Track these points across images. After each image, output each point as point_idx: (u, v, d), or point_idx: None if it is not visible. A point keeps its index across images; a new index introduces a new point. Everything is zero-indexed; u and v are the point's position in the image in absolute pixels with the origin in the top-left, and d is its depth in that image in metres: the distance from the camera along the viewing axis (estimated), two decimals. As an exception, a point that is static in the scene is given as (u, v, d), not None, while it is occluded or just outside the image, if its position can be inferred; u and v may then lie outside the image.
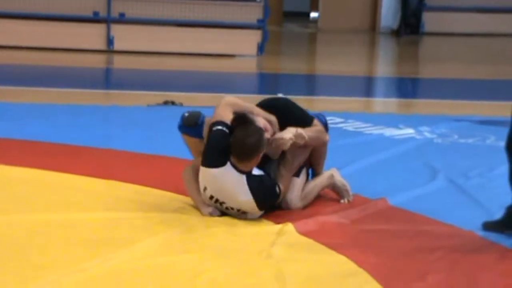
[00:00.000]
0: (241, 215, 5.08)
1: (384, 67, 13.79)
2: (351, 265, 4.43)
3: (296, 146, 5.22)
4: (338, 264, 4.46)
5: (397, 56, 14.92)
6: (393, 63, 14.28)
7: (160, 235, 4.73)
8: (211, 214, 5.09)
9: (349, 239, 4.87)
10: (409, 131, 7.69)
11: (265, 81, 11.65)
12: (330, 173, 5.50)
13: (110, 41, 12.40)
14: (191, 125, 5.28)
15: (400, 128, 7.80)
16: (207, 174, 5.05)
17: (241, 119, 5.10)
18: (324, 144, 5.42)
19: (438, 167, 6.37)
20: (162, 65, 11.71)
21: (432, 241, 4.87)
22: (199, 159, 5.21)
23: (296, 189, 5.29)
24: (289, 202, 5.26)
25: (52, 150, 6.50)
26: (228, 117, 5.11)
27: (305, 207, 5.32)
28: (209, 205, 5.11)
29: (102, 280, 4.12)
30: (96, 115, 8.01)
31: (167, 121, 7.83)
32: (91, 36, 12.41)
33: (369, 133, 7.49)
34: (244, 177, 4.99)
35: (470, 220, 5.17)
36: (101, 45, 12.42)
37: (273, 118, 5.24)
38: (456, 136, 7.60)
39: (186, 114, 5.33)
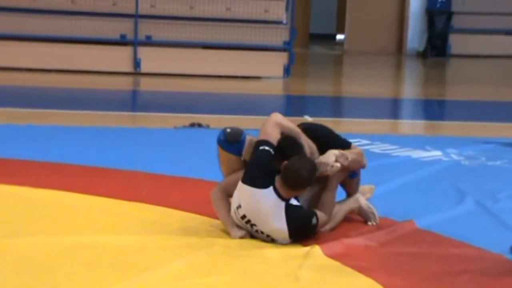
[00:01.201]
0: (269, 240, 5.01)
1: (410, 89, 13.75)
2: (378, 288, 4.39)
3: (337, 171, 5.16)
4: (365, 286, 4.41)
5: (423, 78, 14.88)
6: (419, 85, 14.24)
7: (186, 257, 4.71)
8: (240, 238, 5.03)
9: (376, 261, 4.83)
10: (437, 153, 7.65)
11: (291, 103, 11.64)
12: (355, 197, 5.45)
13: (137, 63, 12.46)
14: (233, 141, 5.17)
15: (427, 150, 7.76)
16: (245, 192, 4.95)
17: (292, 144, 5.03)
18: (363, 167, 5.38)
19: (466, 190, 6.33)
20: (188, 87, 11.75)
21: (460, 264, 4.82)
22: (230, 179, 5.17)
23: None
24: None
25: (78, 172, 6.51)
26: (274, 138, 5.02)
27: (332, 229, 5.28)
28: (239, 228, 5.04)
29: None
30: (122, 137, 8.03)
31: (194, 143, 7.86)
32: (118, 58, 12.48)
33: (396, 155, 7.46)
34: (283, 204, 4.90)
35: (498, 243, 5.11)
36: (128, 68, 12.49)
37: (313, 145, 5.19)
38: (483, 159, 7.55)
39: (228, 130, 5.22)
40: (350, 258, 4.80)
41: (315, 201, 5.20)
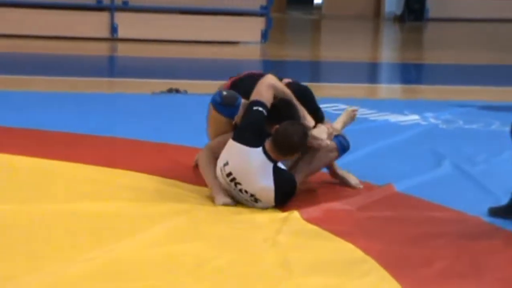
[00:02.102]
0: (251, 202, 5.00)
1: (388, 53, 13.76)
2: (357, 252, 4.40)
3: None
4: (344, 251, 4.43)
5: (401, 42, 14.89)
6: (397, 49, 14.24)
7: (165, 224, 4.70)
8: (224, 205, 5.00)
9: (355, 226, 4.85)
10: (414, 117, 7.67)
11: (269, 68, 11.60)
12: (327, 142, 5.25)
13: (113, 29, 12.37)
14: (228, 104, 5.14)
15: (405, 114, 7.77)
16: (235, 149, 4.94)
17: (287, 107, 5.01)
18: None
19: (444, 153, 6.35)
20: (166, 52, 11.69)
21: (439, 227, 4.85)
22: (218, 140, 5.13)
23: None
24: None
25: (55, 139, 6.48)
26: (268, 99, 5.01)
27: (300, 183, 5.20)
28: (224, 195, 5.01)
29: (107, 269, 4.09)
30: (100, 103, 8.00)
31: (172, 109, 7.83)
32: (94, 24, 12.38)
33: (374, 120, 7.47)
34: (271, 165, 4.90)
35: (476, 206, 5.14)
36: (105, 33, 12.39)
37: (304, 109, 5.15)
38: (461, 122, 7.57)
39: (225, 93, 5.18)
40: (328, 223, 4.81)
41: (293, 167, 5.20)
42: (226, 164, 4.98)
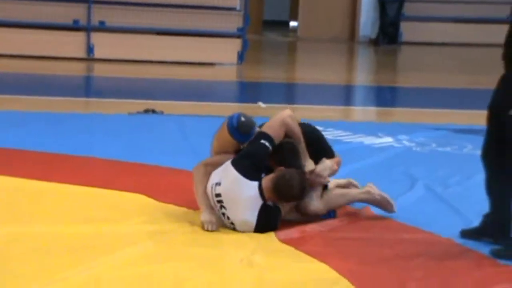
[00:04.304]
0: (230, 226, 5.01)
1: (362, 75, 13.84)
2: (332, 273, 4.43)
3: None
4: (319, 271, 4.46)
5: (376, 65, 14.98)
6: (372, 72, 14.33)
7: (142, 244, 4.72)
8: (207, 223, 4.94)
9: (330, 247, 4.87)
10: (388, 140, 7.70)
11: (245, 89, 11.66)
12: (367, 189, 5.40)
13: (90, 49, 12.37)
14: (243, 131, 5.09)
15: (379, 137, 7.82)
16: (231, 175, 4.90)
17: (291, 153, 5.02)
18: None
19: (417, 176, 6.39)
20: (142, 73, 11.70)
21: (412, 248, 4.89)
22: (216, 159, 5.10)
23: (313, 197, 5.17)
24: (307, 205, 5.13)
25: (31, 158, 6.45)
26: (278, 135, 4.99)
27: (327, 211, 5.21)
28: (210, 212, 4.97)
29: (84, 288, 4.11)
30: (76, 123, 7.98)
31: (148, 129, 7.84)
32: (71, 44, 12.37)
33: (349, 142, 7.51)
34: (261, 203, 4.89)
35: (448, 228, 5.19)
36: (81, 53, 12.39)
37: (309, 161, 5.18)
38: (434, 145, 7.63)
39: (243, 119, 5.10)
40: (303, 243, 4.85)
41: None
42: (218, 184, 4.95)
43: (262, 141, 4.97)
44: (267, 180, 4.90)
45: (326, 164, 5.20)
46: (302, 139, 5.15)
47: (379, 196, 5.40)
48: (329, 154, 5.34)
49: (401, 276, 4.45)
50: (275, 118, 5.11)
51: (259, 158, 4.95)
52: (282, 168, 4.95)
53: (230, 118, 5.15)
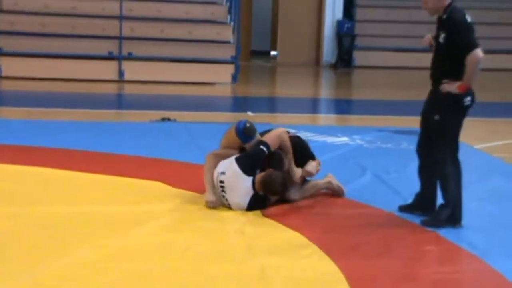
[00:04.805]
0: (228, 205, 4.99)
1: (326, 91, 13.84)
2: (303, 240, 4.43)
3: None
4: (294, 238, 4.46)
5: (335, 83, 14.98)
6: (332, 88, 14.33)
7: (161, 219, 4.70)
8: (209, 202, 4.93)
9: (302, 220, 4.87)
10: (345, 139, 7.70)
11: (238, 102, 11.64)
12: (328, 179, 5.43)
13: (121, 73, 12.33)
14: (247, 134, 5.09)
15: (338, 137, 7.81)
16: (234, 169, 4.90)
17: (278, 161, 5.03)
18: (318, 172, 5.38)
19: (366, 166, 6.39)
20: (160, 90, 11.66)
21: (363, 220, 4.90)
22: (224, 152, 5.10)
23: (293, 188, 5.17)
24: (289, 195, 5.14)
25: (77, 156, 6.39)
26: (273, 144, 5.02)
27: (301, 199, 5.22)
28: (213, 193, 4.95)
29: (117, 253, 4.08)
30: (110, 129, 7.92)
31: (164, 132, 7.82)
32: (107, 70, 12.33)
33: (315, 140, 7.50)
34: (252, 192, 4.90)
35: (390, 204, 5.20)
36: (115, 77, 12.35)
37: (294, 168, 5.17)
38: (379, 142, 7.63)
39: (248, 125, 5.11)
40: (282, 218, 4.84)
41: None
42: (223, 173, 4.95)
43: (261, 146, 4.99)
44: (259, 176, 4.92)
45: (312, 164, 5.25)
46: (290, 151, 5.16)
47: (337, 185, 5.44)
48: (313, 158, 5.38)
49: (356, 240, 4.46)
50: (273, 132, 5.13)
51: (257, 159, 4.96)
52: (271, 170, 4.96)
53: (238, 123, 5.16)
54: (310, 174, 5.24)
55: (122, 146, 6.94)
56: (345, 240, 4.48)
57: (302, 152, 5.28)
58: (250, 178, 4.90)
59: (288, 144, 5.15)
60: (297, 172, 5.20)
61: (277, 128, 5.20)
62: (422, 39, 4.96)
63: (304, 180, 5.29)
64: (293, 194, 5.18)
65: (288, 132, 5.30)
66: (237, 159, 4.95)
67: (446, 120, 4.72)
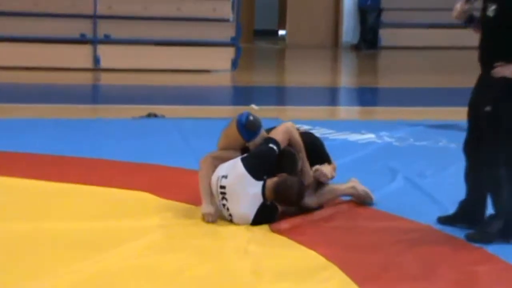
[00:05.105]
0: (228, 217, 4.98)
1: (346, 78, 13.83)
2: (320, 259, 4.42)
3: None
4: (309, 258, 4.45)
5: (358, 69, 14.97)
6: (354, 74, 14.32)
7: (147, 237, 4.69)
8: (207, 215, 4.93)
9: (318, 235, 4.86)
10: (370, 136, 7.69)
11: (239, 93, 11.63)
12: (352, 183, 5.43)
13: (96, 60, 12.34)
14: (250, 129, 5.10)
15: (362, 133, 7.81)
16: (239, 171, 4.88)
17: (290, 160, 5.03)
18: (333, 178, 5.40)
19: (397, 168, 6.38)
20: (144, 80, 11.66)
21: (394, 235, 4.88)
22: (223, 153, 5.10)
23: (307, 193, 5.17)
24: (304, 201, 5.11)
25: (43, 162, 6.41)
26: (283, 141, 5.01)
27: (319, 205, 5.22)
28: (210, 204, 4.95)
29: (93, 280, 4.08)
30: (84, 128, 7.94)
31: (151, 132, 7.81)
32: (79, 56, 12.33)
33: (334, 139, 7.49)
34: (262, 201, 4.88)
35: (426, 215, 5.19)
36: (89, 64, 12.35)
37: (308, 170, 5.19)
38: (412, 140, 7.62)
39: (251, 118, 5.12)
40: (294, 233, 4.83)
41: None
42: (224, 176, 4.93)
43: (271, 144, 4.98)
44: (270, 182, 4.90)
45: (328, 168, 5.25)
46: (302, 148, 5.16)
47: (363, 191, 5.43)
48: (328, 161, 5.36)
49: (385, 261, 4.44)
50: (278, 127, 5.12)
51: (267, 159, 4.95)
52: (284, 174, 4.94)
53: (240, 116, 5.15)
54: (324, 177, 5.21)
55: (99, 149, 6.93)
56: (372, 260, 4.47)
57: (315, 153, 5.26)
58: (260, 183, 4.88)
59: (298, 139, 5.15)
60: (311, 174, 5.19)
61: (282, 123, 5.18)
62: (453, 11, 4.87)
63: (318, 183, 5.29)
64: (308, 199, 5.18)
65: (298, 129, 5.30)
66: (243, 160, 4.94)
67: (500, 112, 4.70)
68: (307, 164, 5.18)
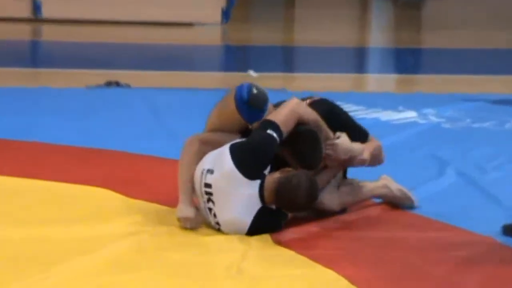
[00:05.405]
0: (215, 226, 5.00)
1: (378, 35, 13.87)
2: (341, 282, 4.42)
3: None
4: (326, 281, 4.45)
5: (394, 22, 15.01)
6: (389, 30, 14.37)
7: (105, 250, 4.70)
8: (184, 220, 4.96)
9: (340, 249, 4.87)
10: (411, 114, 7.75)
11: (232, 55, 11.67)
12: (384, 181, 5.48)
13: (37, 7, 12.34)
14: (255, 106, 5.06)
15: (400, 111, 7.85)
16: (227, 166, 4.87)
17: (313, 145, 5.03)
18: (380, 163, 5.46)
19: (447, 158, 6.42)
20: (103, 36, 11.70)
21: (440, 251, 4.89)
22: (215, 136, 5.10)
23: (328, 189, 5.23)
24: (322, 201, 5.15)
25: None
26: (288, 125, 4.97)
27: (341, 208, 5.28)
28: (189, 205, 4.97)
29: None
30: (19, 99, 7.97)
31: (111, 106, 7.83)
32: (13, 3, 12.33)
33: (362, 118, 7.50)
34: (260, 205, 4.90)
35: (487, 223, 5.20)
36: (26, 13, 12.36)
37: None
38: (468, 120, 7.65)
39: (255, 91, 5.09)
40: (306, 246, 4.85)
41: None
42: (210, 171, 4.93)
43: (269, 131, 4.94)
44: (271, 179, 4.90)
45: (358, 146, 5.21)
46: (320, 123, 5.16)
47: (399, 191, 5.47)
48: (364, 136, 5.37)
49: (430, 282, 4.45)
50: (282, 107, 5.10)
51: (264, 152, 4.94)
52: (290, 169, 4.95)
53: (239, 89, 5.11)
54: (360, 160, 5.20)
55: (43, 128, 6.96)
56: (412, 285, 4.47)
57: (335, 126, 5.23)
58: (256, 182, 4.90)
59: (311, 116, 5.13)
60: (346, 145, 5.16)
61: (286, 103, 5.15)
62: None
63: (344, 174, 5.30)
64: (328, 200, 5.20)
65: (312, 97, 5.31)
66: (232, 150, 4.94)
67: None
68: (332, 135, 5.18)
